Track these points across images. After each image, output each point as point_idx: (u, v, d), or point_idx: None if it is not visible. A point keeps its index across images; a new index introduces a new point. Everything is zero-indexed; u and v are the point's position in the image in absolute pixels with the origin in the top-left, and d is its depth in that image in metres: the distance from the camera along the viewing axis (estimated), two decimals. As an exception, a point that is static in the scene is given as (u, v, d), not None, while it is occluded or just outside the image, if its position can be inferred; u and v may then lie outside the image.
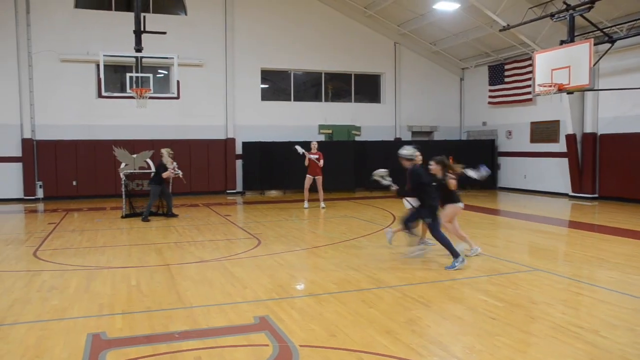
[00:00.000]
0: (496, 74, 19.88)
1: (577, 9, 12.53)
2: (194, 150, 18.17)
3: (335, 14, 20.15)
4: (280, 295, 6.25)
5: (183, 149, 17.91)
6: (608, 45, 13.25)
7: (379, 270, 7.40)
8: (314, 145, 14.51)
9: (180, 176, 12.90)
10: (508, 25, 15.38)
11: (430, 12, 18.22)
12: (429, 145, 20.45)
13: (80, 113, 17.41)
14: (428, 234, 8.31)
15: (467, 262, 7.52)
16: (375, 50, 20.84)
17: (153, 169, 13.25)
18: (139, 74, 13.12)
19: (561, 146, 17.23)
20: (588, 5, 12.28)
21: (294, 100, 20.25)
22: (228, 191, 18.91)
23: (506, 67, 19.37)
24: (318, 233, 10.11)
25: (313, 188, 14.53)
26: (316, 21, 19.90)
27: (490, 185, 20.04)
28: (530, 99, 18.29)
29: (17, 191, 17.05)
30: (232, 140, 18.88)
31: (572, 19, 12.63)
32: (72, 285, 6.71)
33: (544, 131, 18.29)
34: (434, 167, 7.86)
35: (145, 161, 13.60)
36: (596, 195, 16.15)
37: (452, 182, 7.81)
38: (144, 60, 13.45)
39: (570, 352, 4.44)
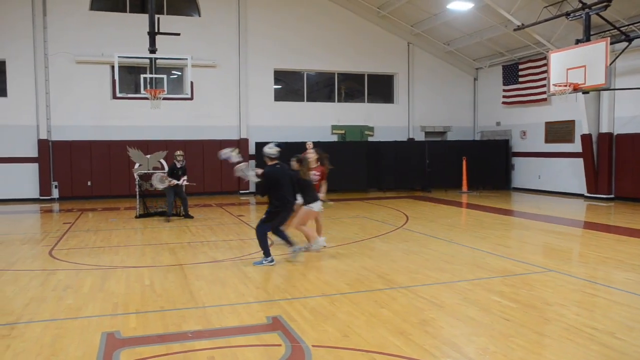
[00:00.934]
0: (510, 74, 19.71)
1: (593, 7, 12.37)
2: (207, 150, 18.24)
3: (349, 15, 20.14)
4: (292, 295, 6.25)
5: (196, 149, 18.05)
6: (625, 44, 13.10)
7: (392, 270, 7.38)
8: (309, 146, 11.37)
9: (186, 184, 12.92)
10: (522, 24, 15.23)
11: (444, 12, 18.13)
12: (442, 146, 20.44)
13: (95, 114, 17.61)
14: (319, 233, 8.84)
15: (275, 262, 7.76)
16: (389, 51, 20.79)
17: (166, 170, 13.34)
18: (153, 75, 13.24)
19: (576, 146, 17.02)
20: (604, 4, 12.11)
21: (307, 100, 20.27)
22: (241, 192, 18.98)
23: (520, 66, 19.19)
24: (331, 234, 10.10)
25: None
26: (329, 22, 19.91)
27: (504, 185, 19.92)
28: (545, 99, 18.12)
29: (33, 191, 17.28)
30: (245, 141, 18.94)
31: (588, 17, 12.49)
32: (87, 285, 6.78)
33: (558, 131, 18.10)
34: (294, 164, 8.48)
35: (159, 161, 13.71)
36: (612, 196, 15.93)
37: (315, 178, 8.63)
38: (158, 61, 13.57)
39: (585, 354, 4.39)
